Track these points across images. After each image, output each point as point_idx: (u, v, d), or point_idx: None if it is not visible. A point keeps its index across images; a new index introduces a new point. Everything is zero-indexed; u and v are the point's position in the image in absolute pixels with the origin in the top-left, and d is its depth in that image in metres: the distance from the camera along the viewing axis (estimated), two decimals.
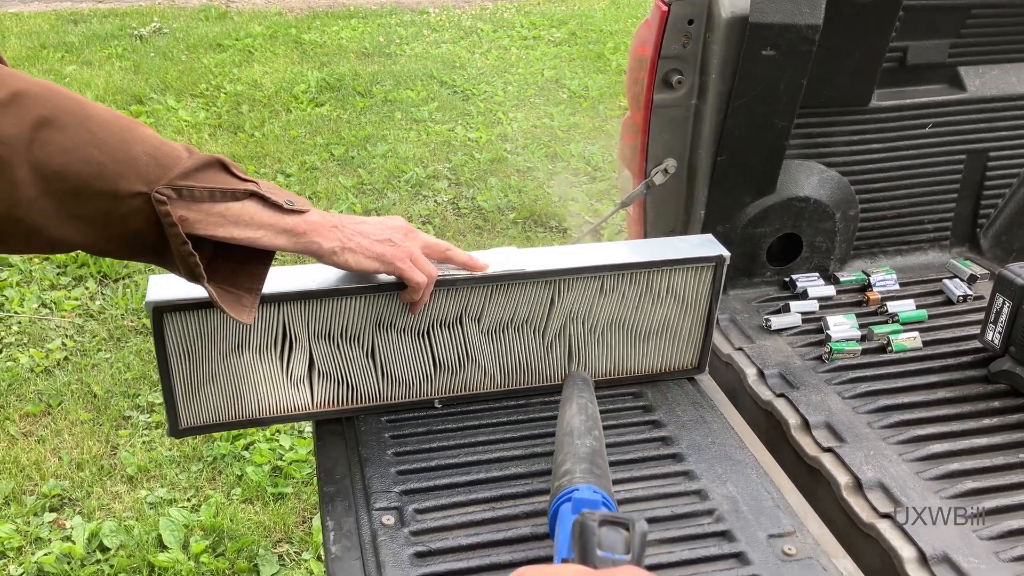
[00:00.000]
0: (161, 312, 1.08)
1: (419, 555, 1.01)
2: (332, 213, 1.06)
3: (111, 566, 2.10)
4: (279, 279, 1.12)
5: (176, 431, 1.16)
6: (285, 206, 0.97)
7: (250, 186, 0.95)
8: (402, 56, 5.46)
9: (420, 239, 1.13)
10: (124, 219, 0.88)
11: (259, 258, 1.02)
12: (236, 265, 1.00)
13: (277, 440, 2.51)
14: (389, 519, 1.05)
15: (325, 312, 1.15)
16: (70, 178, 0.84)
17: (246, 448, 2.47)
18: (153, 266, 0.97)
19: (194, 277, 0.93)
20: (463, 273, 1.17)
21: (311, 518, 2.26)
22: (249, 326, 1.12)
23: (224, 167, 0.94)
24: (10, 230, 0.85)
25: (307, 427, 2.57)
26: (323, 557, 1.08)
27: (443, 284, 1.16)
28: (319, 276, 1.13)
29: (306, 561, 2.14)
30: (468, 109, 4.73)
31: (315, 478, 2.38)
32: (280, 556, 2.16)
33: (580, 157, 4.23)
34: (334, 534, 1.04)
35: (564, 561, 0.75)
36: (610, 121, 4.61)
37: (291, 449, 2.47)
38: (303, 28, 5.90)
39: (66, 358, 2.84)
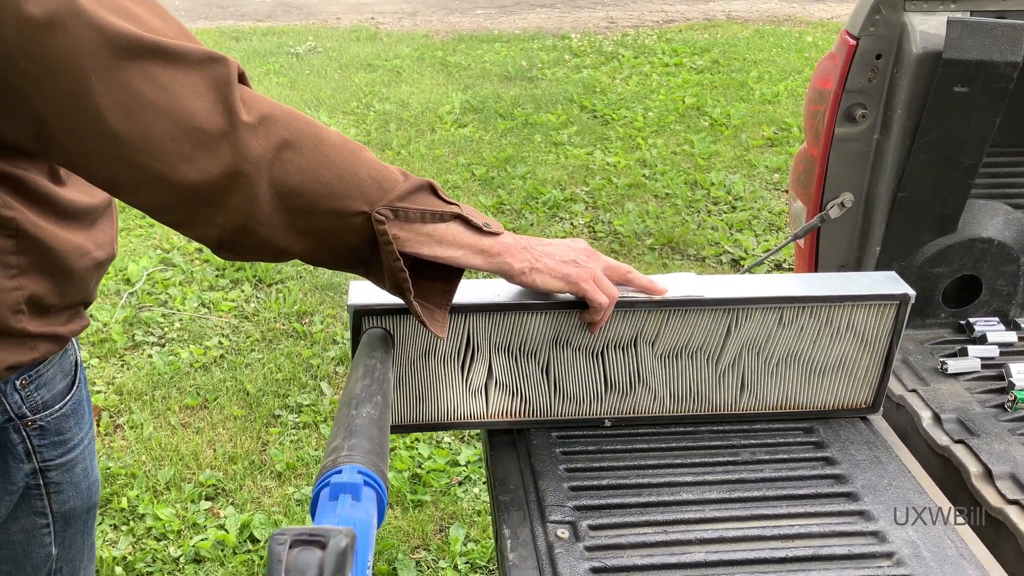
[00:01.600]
0: (361, 315, 1.14)
1: (595, 570, 1.02)
2: (522, 235, 1.10)
3: (260, 557, 2.20)
4: (465, 292, 1.16)
5: None
6: (484, 228, 1.02)
7: (455, 209, 1.00)
8: (543, 80, 5.55)
9: (602, 261, 1.16)
10: (344, 235, 0.95)
11: (451, 275, 1.07)
12: (430, 281, 1.06)
13: (416, 448, 2.57)
14: (564, 532, 1.08)
15: (507, 325, 1.18)
16: (303, 196, 0.91)
17: None
18: (356, 275, 1.03)
19: (400, 291, 0.99)
20: (642, 296, 1.18)
21: (448, 527, 2.31)
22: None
23: (433, 191, 1.00)
24: (244, 240, 0.92)
25: (445, 437, 2.63)
26: (498, 564, 1.11)
27: (622, 306, 1.18)
28: (503, 291, 1.17)
29: (443, 569, 2.19)
30: (607, 134, 4.76)
31: (453, 489, 2.43)
32: (417, 563, 2.21)
33: (720, 185, 4.19)
34: (511, 542, 1.07)
35: None
36: (752, 151, 4.55)
37: (429, 458, 2.54)
38: (448, 51, 6.08)
39: (222, 356, 3.00)
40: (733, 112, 4.96)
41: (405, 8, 7.42)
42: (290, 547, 0.58)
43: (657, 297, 1.19)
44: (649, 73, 5.68)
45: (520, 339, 1.20)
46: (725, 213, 3.99)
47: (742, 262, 3.62)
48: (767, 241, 3.77)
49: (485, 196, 4.07)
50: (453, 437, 2.63)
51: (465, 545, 2.24)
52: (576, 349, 1.22)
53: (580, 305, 1.15)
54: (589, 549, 1.05)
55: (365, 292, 1.14)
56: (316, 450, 2.56)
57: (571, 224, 3.92)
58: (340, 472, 0.76)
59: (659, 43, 6.32)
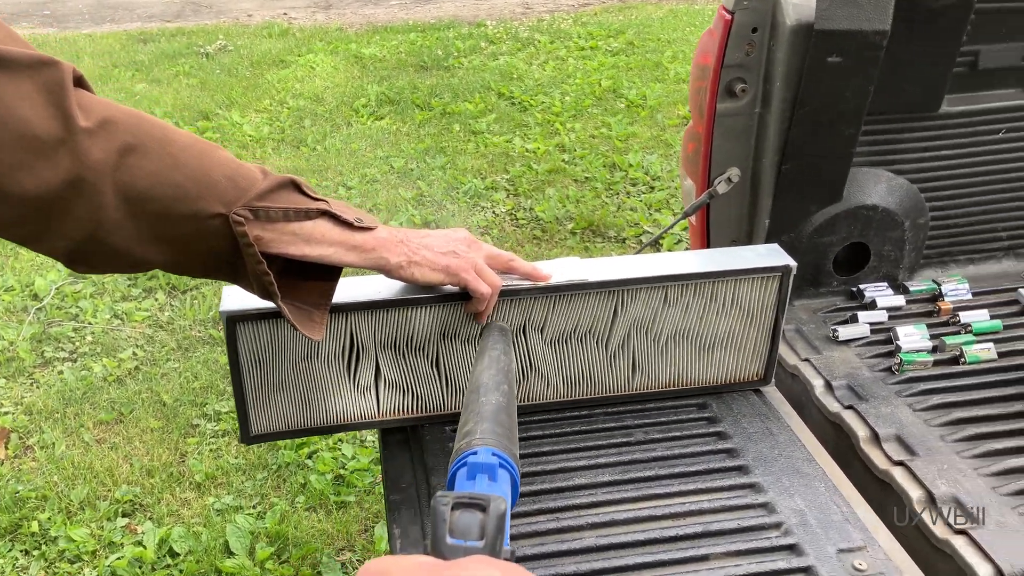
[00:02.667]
0: (234, 321, 1.11)
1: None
2: (398, 228, 1.08)
3: (180, 571, 2.15)
4: (347, 290, 1.14)
5: (247, 438, 1.19)
6: (355, 223, 1.00)
7: (322, 205, 0.98)
8: (460, 69, 5.51)
9: (484, 250, 1.14)
10: (203, 239, 0.92)
11: (327, 274, 1.04)
12: (305, 282, 1.03)
13: (339, 449, 2.54)
14: None
15: (391, 322, 1.16)
16: (154, 201, 0.88)
17: (310, 457, 2.51)
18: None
19: (268, 295, 0.96)
20: (526, 283, 1.18)
21: (373, 526, 2.29)
22: None
23: (297, 187, 0.97)
24: (95, 250, 0.89)
25: (369, 436, 2.60)
26: None
27: (506, 294, 1.17)
28: (385, 287, 1.15)
29: None
30: (526, 120, 4.75)
31: (377, 488, 2.41)
32: (343, 564, 2.18)
33: (638, 167, 4.21)
34: (401, 541, 1.05)
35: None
36: (668, 130, 4.58)
37: (353, 458, 2.50)
38: (363, 43, 6.00)
39: (137, 368, 2.92)
40: (649, 93, 5.00)
41: (318, 2, 7.29)
42: (452, 508, 0.59)
43: (541, 283, 1.18)
44: (565, 57, 5.68)
45: (407, 335, 1.18)
46: (644, 194, 4.01)
47: (662, 242, 3.65)
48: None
49: (404, 188, 4.03)
50: (375, 436, 2.60)
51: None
52: (465, 341, 1.21)
53: (465, 296, 1.14)
54: None
55: (239, 297, 1.11)
56: (236, 458, 2.51)
57: (493, 212, 3.90)
58: (476, 453, 0.79)
59: (574, 27, 6.32)
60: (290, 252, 0.97)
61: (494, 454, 0.79)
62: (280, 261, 1.00)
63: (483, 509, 0.59)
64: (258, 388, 1.16)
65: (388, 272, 1.05)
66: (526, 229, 3.78)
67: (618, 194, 4.02)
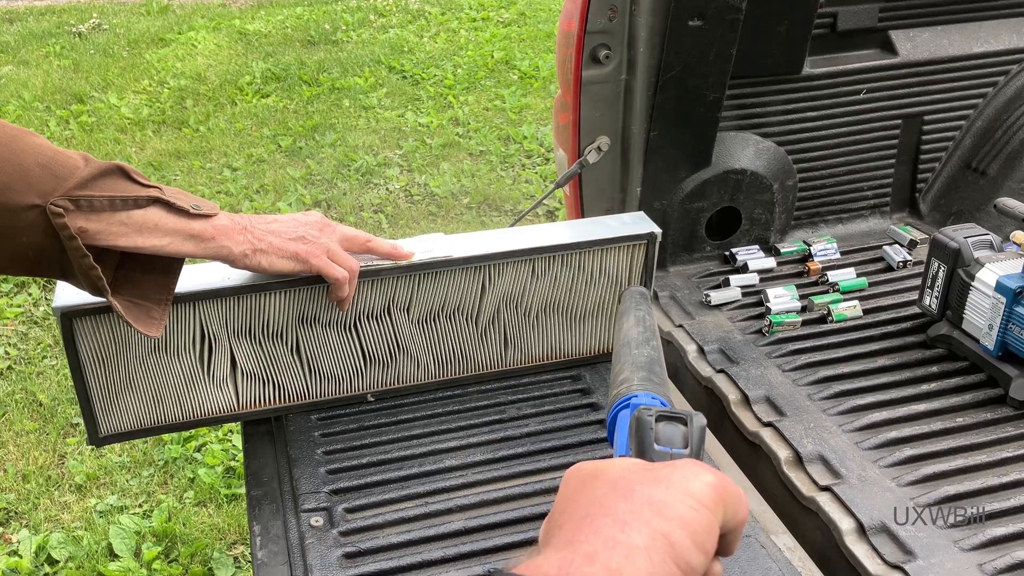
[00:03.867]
0: (71, 317, 1.03)
1: (348, 556, 0.98)
2: (241, 214, 1.02)
3: None
4: (193, 277, 1.08)
5: (96, 439, 1.12)
6: (191, 211, 0.94)
7: (153, 192, 0.91)
8: (349, 43, 5.38)
9: (338, 232, 1.10)
10: (19, 234, 0.85)
11: (167, 267, 0.98)
12: (143, 275, 0.97)
13: (230, 440, 2.46)
14: (318, 520, 1.02)
15: (244, 309, 1.11)
16: None
17: (198, 450, 2.42)
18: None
19: (98, 291, 0.90)
20: (387, 263, 1.13)
21: None
22: (166, 327, 1.08)
23: (125, 174, 0.91)
24: None
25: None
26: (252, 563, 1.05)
27: (367, 275, 1.13)
28: (235, 273, 1.09)
29: None
30: (418, 94, 4.67)
31: None
32: (235, 558, 2.12)
33: (533, 139, 4.19)
34: (261, 539, 1.01)
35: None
36: None
37: None
38: (247, 19, 5.79)
39: (9, 367, 2.76)
40: (542, 64, 4.97)
41: None
42: (656, 420, 0.62)
43: (403, 262, 1.14)
44: (457, 29, 5.60)
45: (262, 322, 1.13)
46: (539, 166, 4.00)
47: (557, 213, 3.65)
48: None
49: (293, 168, 3.91)
50: None
51: None
52: (326, 326, 1.16)
53: (321, 280, 1.09)
54: (344, 534, 1.01)
55: (74, 291, 1.04)
56: (120, 456, 2.40)
57: (386, 189, 3.83)
58: (636, 396, 0.79)
59: None
60: (120, 244, 0.90)
61: (653, 398, 0.80)
62: (115, 255, 0.93)
63: (685, 423, 0.63)
64: (103, 387, 1.09)
65: (232, 262, 1.00)
66: (421, 205, 3.72)
67: (513, 167, 4.00)
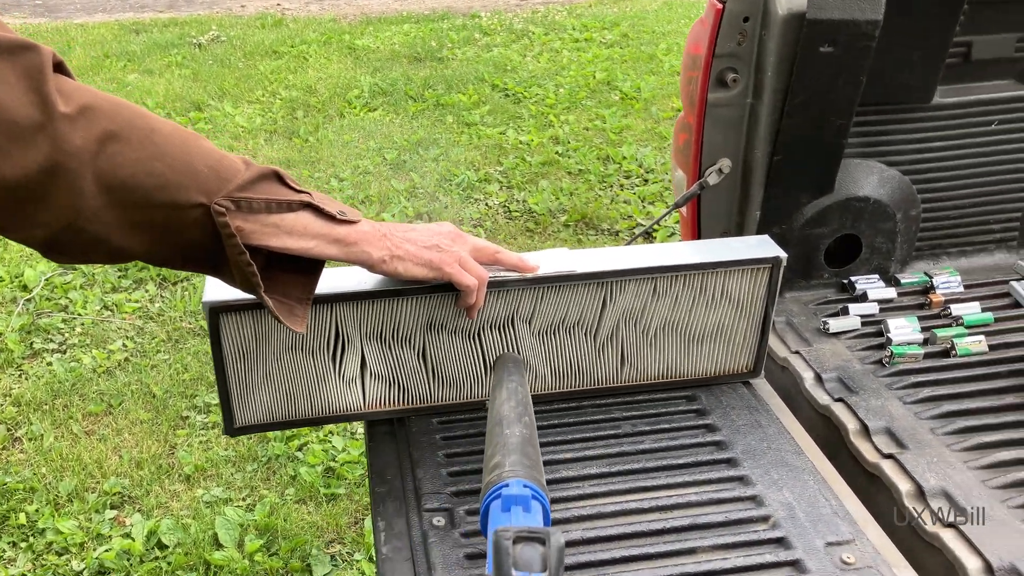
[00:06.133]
0: (218, 312, 1.09)
1: (469, 557, 1.00)
2: (382, 222, 1.06)
3: (169, 563, 2.14)
4: (332, 280, 1.12)
5: (231, 430, 1.18)
6: (338, 216, 0.98)
7: (304, 197, 0.96)
8: (454, 60, 5.49)
9: (469, 243, 1.13)
10: (183, 230, 0.90)
11: (310, 268, 1.03)
12: (288, 275, 1.02)
13: (330, 441, 2.53)
14: (440, 520, 1.05)
15: (376, 313, 1.15)
16: (134, 189, 0.86)
17: (300, 449, 2.50)
18: None
19: (251, 287, 0.95)
20: (514, 275, 1.16)
21: (363, 519, 2.28)
22: None
23: (279, 179, 0.96)
24: (72, 239, 0.87)
25: (359, 428, 2.59)
26: (375, 557, 1.08)
27: (493, 286, 1.16)
28: (371, 278, 1.14)
29: (358, 562, 2.15)
30: (519, 112, 4.73)
31: (367, 479, 2.40)
32: (332, 556, 2.18)
33: (632, 159, 4.20)
34: (385, 535, 1.04)
35: None
36: (662, 123, 4.57)
37: (343, 451, 2.49)
38: (356, 34, 5.97)
39: (127, 359, 2.90)
40: (643, 85, 4.98)
41: None
42: (514, 542, 0.64)
43: (529, 275, 1.17)
44: (560, 49, 5.66)
45: (392, 326, 1.17)
46: (637, 186, 4.00)
47: (655, 235, 3.64)
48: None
49: (397, 180, 4.01)
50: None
51: None
52: (452, 332, 1.20)
53: (452, 289, 1.13)
54: (465, 535, 1.03)
55: (222, 288, 1.09)
56: (226, 450, 2.50)
57: (486, 205, 3.89)
58: (508, 486, 0.82)
59: (569, 19, 6.30)
60: (271, 244, 0.95)
61: (526, 486, 0.82)
62: (262, 254, 0.98)
63: (543, 543, 0.64)
64: (242, 380, 1.15)
65: (371, 267, 1.04)
66: (519, 221, 3.77)
67: (612, 187, 4.01)
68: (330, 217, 0.98)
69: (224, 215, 0.90)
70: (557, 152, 4.30)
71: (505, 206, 3.88)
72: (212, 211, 0.90)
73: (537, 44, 5.78)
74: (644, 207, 3.81)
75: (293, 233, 0.96)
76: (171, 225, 0.90)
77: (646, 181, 4.04)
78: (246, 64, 5.39)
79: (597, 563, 1.00)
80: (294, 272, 1.03)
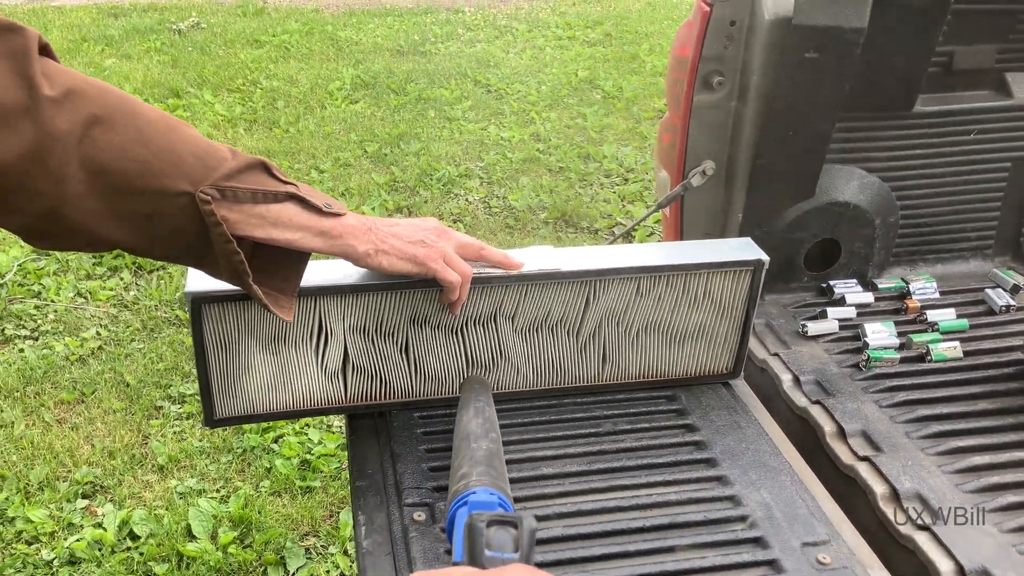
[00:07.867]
0: (200, 303, 1.08)
1: (450, 552, 1.00)
2: (367, 216, 1.06)
3: (141, 554, 2.12)
4: (316, 273, 1.12)
5: (211, 421, 1.17)
6: (323, 209, 0.98)
7: (290, 188, 0.96)
8: (436, 54, 5.47)
9: (454, 239, 1.13)
10: (168, 218, 0.90)
11: (295, 260, 1.03)
12: (271, 266, 1.01)
13: (306, 434, 2.52)
14: (420, 515, 1.05)
15: (360, 307, 1.15)
16: (117, 175, 0.85)
17: (275, 441, 2.49)
18: None
19: (237, 276, 0.94)
20: (498, 272, 1.17)
21: (338, 512, 2.27)
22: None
23: (266, 169, 0.95)
24: (54, 227, 0.86)
25: (336, 421, 2.58)
26: (355, 551, 1.08)
27: (477, 282, 1.16)
28: (356, 271, 1.13)
29: (332, 555, 2.15)
30: (501, 108, 4.73)
31: (343, 473, 2.39)
32: (307, 549, 2.17)
33: (613, 158, 4.21)
34: (365, 528, 1.04)
35: (456, 565, 0.74)
36: (644, 123, 4.59)
37: (320, 443, 2.49)
38: (339, 25, 5.93)
39: (100, 347, 2.87)
40: (625, 85, 4.99)
41: None
42: (488, 525, 0.65)
43: (513, 272, 1.17)
44: (543, 47, 5.66)
45: (376, 320, 1.17)
46: (617, 185, 4.01)
47: (634, 234, 3.66)
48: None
49: (377, 173, 4.00)
50: (341, 421, 2.59)
51: None
52: (435, 328, 1.20)
53: (436, 284, 1.13)
54: (445, 530, 1.03)
55: (204, 279, 1.09)
56: (200, 441, 2.48)
57: (466, 200, 3.88)
58: (475, 493, 0.84)
59: (553, 16, 6.30)
60: (256, 235, 0.95)
61: (491, 493, 0.84)
62: (247, 245, 0.98)
63: (515, 526, 0.66)
64: (223, 371, 1.14)
65: (355, 260, 1.04)
66: (499, 218, 3.77)
67: (592, 185, 4.02)
68: (316, 209, 0.98)
69: (209, 203, 0.90)
70: (538, 149, 4.31)
71: (485, 202, 3.88)
72: (197, 199, 0.89)
73: (520, 41, 5.78)
74: (624, 206, 3.83)
75: (278, 224, 0.96)
76: (155, 213, 0.89)
77: (626, 180, 4.06)
78: (226, 52, 5.34)
79: (576, 560, 1.01)
80: (279, 264, 1.02)
